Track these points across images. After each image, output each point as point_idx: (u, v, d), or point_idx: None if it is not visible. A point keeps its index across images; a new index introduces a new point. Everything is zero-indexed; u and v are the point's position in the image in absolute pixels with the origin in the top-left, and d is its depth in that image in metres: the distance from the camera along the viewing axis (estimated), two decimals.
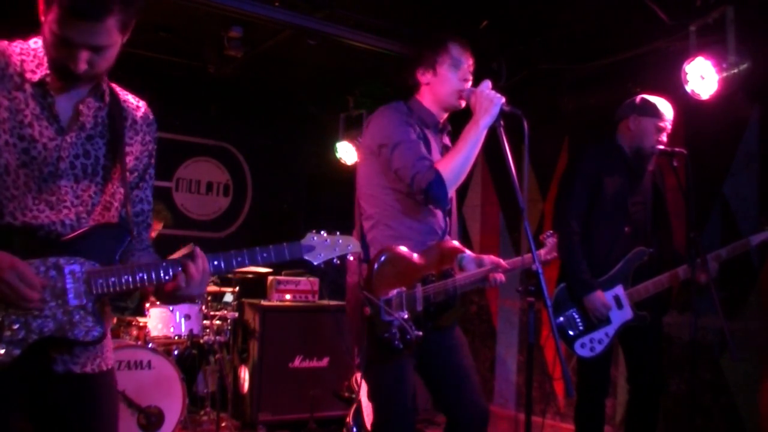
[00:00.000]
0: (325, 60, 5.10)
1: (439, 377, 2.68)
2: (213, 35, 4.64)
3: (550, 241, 3.02)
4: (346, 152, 5.91)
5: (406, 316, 2.44)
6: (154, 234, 5.11)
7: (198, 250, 1.80)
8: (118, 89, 1.90)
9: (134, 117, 1.90)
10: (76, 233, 1.74)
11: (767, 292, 3.89)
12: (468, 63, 2.68)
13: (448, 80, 2.64)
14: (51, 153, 1.73)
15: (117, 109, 1.85)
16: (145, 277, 1.75)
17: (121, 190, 1.84)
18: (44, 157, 1.71)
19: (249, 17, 4.15)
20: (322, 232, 2.03)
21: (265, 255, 1.89)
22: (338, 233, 2.06)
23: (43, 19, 1.65)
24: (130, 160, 1.87)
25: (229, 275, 4.95)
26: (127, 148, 1.86)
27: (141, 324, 4.50)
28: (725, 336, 3.22)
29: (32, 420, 1.77)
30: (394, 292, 2.47)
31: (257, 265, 1.94)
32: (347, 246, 2.06)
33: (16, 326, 1.63)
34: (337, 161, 5.98)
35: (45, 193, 1.72)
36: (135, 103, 1.93)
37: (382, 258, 2.50)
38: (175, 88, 5.97)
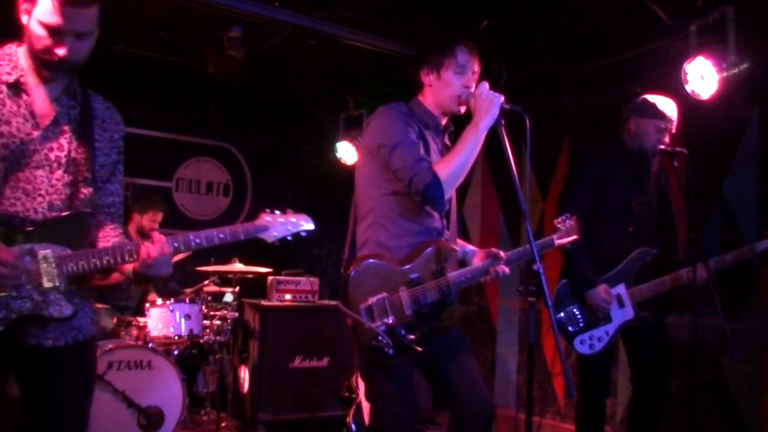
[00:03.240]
0: (325, 60, 5.10)
1: (442, 373, 2.65)
2: (213, 35, 4.64)
3: (567, 224, 2.86)
4: (346, 152, 5.91)
5: (390, 322, 2.41)
6: (155, 225, 5.14)
7: (156, 234, 1.97)
8: (89, 92, 2.09)
9: (103, 116, 2.09)
10: (48, 220, 1.93)
11: None
12: (473, 70, 2.65)
13: (450, 85, 2.62)
14: (28, 146, 1.91)
15: (87, 108, 2.04)
16: (111, 260, 1.94)
17: (91, 180, 2.02)
18: (22, 150, 1.90)
19: (249, 17, 4.15)
20: (275, 212, 2.19)
21: (221, 236, 2.06)
22: (290, 211, 2.21)
23: (27, 18, 1.88)
24: (99, 155, 2.05)
25: (230, 275, 4.95)
26: (96, 144, 2.04)
27: (141, 324, 4.49)
28: (725, 336, 3.22)
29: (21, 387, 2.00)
30: (374, 299, 2.44)
31: (214, 245, 2.07)
32: (299, 223, 2.21)
33: None
34: (337, 161, 5.98)
35: (22, 182, 1.90)
36: (104, 104, 2.12)
37: (359, 267, 2.48)
38: (175, 88, 5.97)
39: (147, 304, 4.54)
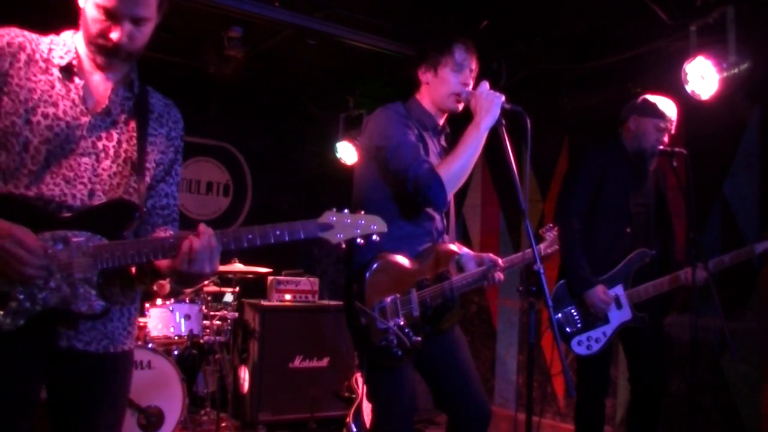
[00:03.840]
0: (325, 60, 5.10)
1: (440, 377, 2.67)
2: (213, 35, 4.64)
3: (550, 234, 2.95)
4: (346, 152, 5.91)
5: (402, 323, 2.42)
6: None
7: (203, 226, 1.76)
8: (149, 87, 2.01)
9: (160, 111, 2.00)
10: (87, 207, 1.78)
11: None
12: (471, 67, 2.66)
13: (447, 82, 2.63)
14: (74, 132, 1.80)
15: (144, 101, 1.94)
16: (150, 253, 1.75)
17: (143, 177, 1.88)
18: (67, 135, 1.79)
19: (249, 17, 4.15)
20: (344, 210, 1.93)
21: (278, 233, 1.82)
22: (362, 212, 1.97)
23: (84, 1, 1.80)
24: (153, 151, 1.93)
25: (230, 275, 4.95)
26: (150, 139, 1.93)
27: (141, 324, 4.49)
28: (725, 336, 3.22)
29: (49, 394, 1.85)
30: (388, 299, 2.44)
31: (269, 243, 1.82)
32: (371, 226, 1.94)
33: (21, 296, 1.66)
34: (337, 161, 5.97)
35: (64, 168, 1.78)
36: (162, 101, 2.04)
37: (374, 266, 2.47)
38: (175, 88, 5.93)
39: (147, 304, 4.53)
